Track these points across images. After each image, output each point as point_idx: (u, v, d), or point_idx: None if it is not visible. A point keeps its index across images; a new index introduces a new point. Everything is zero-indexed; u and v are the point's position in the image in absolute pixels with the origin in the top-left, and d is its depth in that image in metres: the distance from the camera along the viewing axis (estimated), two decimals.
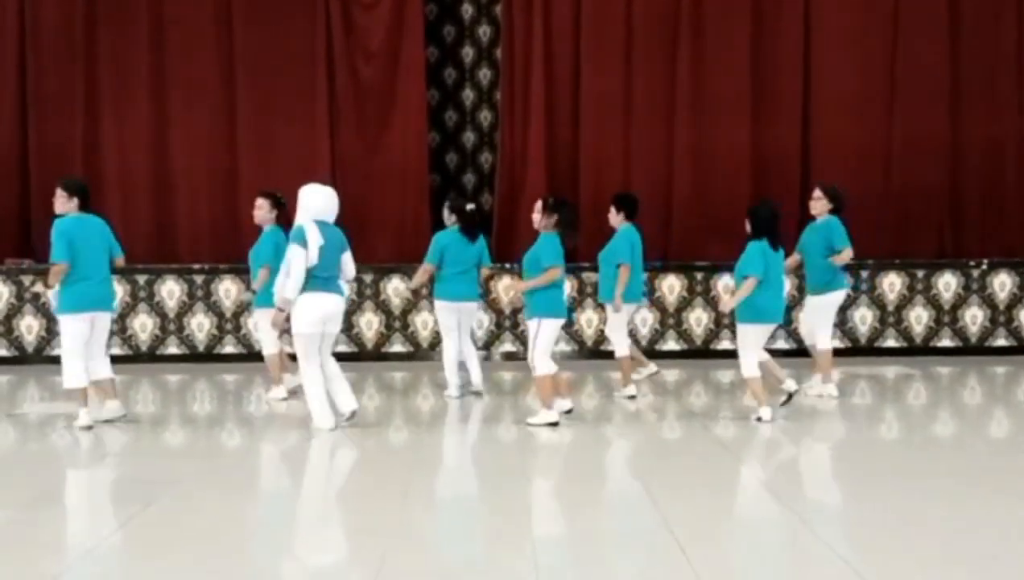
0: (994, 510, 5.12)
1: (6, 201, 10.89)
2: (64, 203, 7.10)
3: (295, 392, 7.95)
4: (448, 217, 8.27)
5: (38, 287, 6.88)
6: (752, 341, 7.18)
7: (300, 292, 6.74)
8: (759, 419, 7.09)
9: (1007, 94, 10.93)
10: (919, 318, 10.60)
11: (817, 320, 8.12)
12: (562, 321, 7.15)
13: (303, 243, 6.73)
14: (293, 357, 7.35)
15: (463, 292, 8.06)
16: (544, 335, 6.97)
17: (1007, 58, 10.91)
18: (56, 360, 10.09)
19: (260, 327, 8.16)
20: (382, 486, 5.74)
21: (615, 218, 8.27)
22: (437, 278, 8.13)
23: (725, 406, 7.95)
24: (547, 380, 7.02)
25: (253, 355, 9.61)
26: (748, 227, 7.23)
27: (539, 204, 7.17)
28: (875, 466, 6.16)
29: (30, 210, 10.90)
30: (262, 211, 8.07)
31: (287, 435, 7.14)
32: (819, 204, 8.11)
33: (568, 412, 7.20)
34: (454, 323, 8.09)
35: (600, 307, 9.75)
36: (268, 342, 8.07)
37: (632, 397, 8.10)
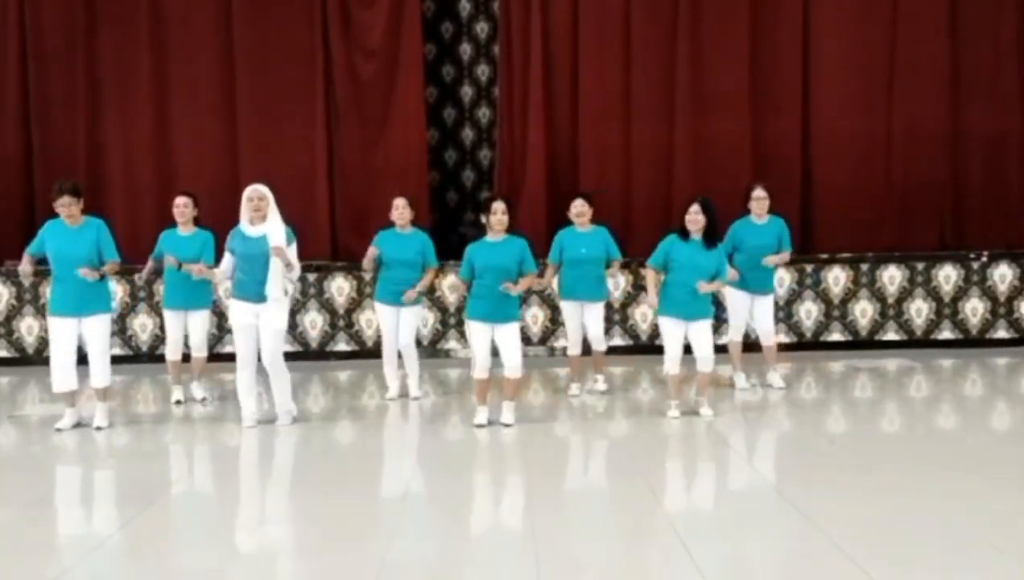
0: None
1: (10, 203, 10.88)
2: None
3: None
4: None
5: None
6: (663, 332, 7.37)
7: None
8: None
9: (1008, 85, 10.87)
10: (919, 311, 10.58)
11: (772, 317, 8.32)
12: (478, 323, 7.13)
13: None
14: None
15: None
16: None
17: (1008, 48, 10.85)
18: None
19: (201, 328, 8.30)
20: (386, 483, 5.75)
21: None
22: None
23: (725, 401, 7.95)
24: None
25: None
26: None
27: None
28: (873, 458, 6.16)
29: (34, 212, 10.90)
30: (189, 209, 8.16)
31: (287, 433, 7.16)
32: (766, 203, 8.27)
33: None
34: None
35: None
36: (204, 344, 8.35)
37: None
